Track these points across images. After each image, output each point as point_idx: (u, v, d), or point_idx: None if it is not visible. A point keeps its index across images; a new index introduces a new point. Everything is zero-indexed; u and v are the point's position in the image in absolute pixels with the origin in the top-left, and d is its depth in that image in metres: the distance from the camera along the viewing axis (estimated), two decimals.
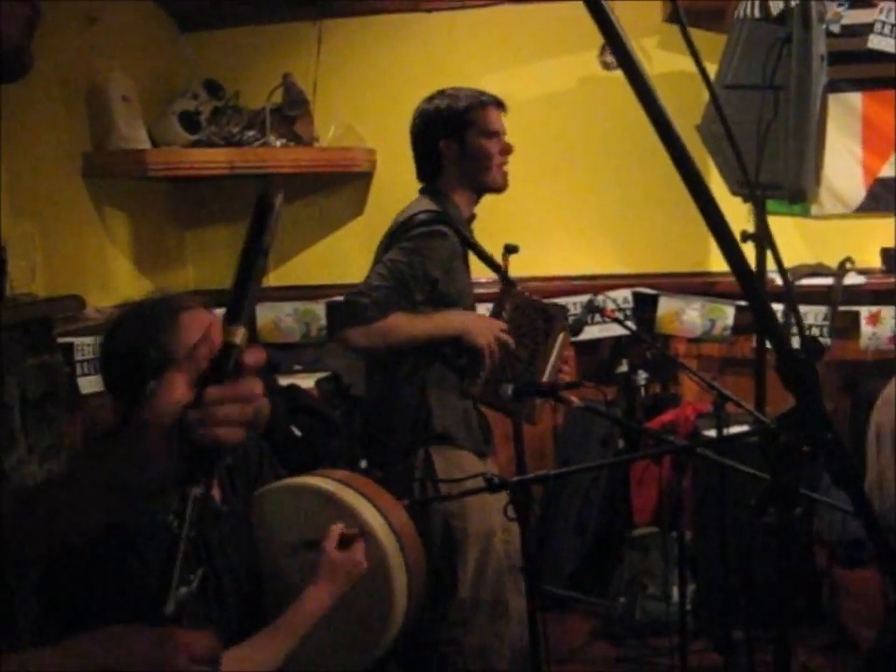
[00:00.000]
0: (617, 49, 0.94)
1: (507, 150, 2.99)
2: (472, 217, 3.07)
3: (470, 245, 2.99)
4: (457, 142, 2.93)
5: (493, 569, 2.86)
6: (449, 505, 2.75)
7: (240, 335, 1.01)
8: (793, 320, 3.70)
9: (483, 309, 3.29)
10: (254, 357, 1.01)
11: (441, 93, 3.02)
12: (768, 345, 3.99)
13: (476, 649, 2.85)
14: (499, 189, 3.03)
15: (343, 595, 1.88)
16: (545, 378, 2.94)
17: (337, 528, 1.89)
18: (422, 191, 3.04)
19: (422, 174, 3.05)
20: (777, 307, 4.07)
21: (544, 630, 2.18)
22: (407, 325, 2.77)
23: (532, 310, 3.02)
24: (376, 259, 2.92)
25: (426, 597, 2.04)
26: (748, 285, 0.96)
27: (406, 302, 2.76)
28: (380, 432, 2.89)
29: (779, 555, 1.17)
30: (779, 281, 3.86)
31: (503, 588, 2.86)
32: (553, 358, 3.01)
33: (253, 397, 1.01)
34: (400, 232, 2.82)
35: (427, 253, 2.79)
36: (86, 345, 3.28)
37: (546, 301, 3.20)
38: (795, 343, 1.09)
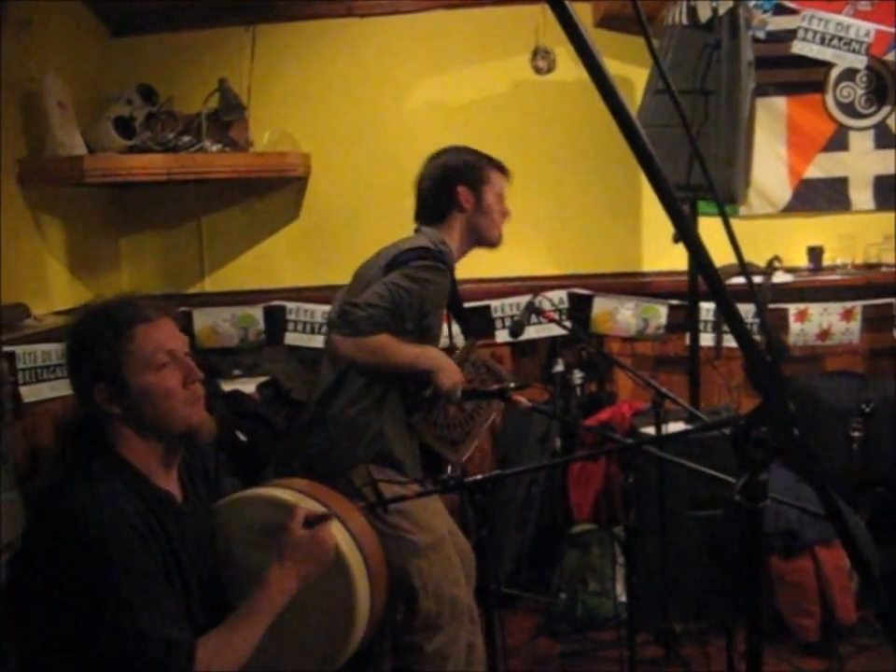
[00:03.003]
0: (580, 48, 0.98)
1: (507, 214, 3.13)
2: None
3: (455, 294, 3.08)
4: (474, 193, 3.03)
5: (450, 575, 2.91)
6: (399, 521, 2.79)
7: None
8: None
9: None
10: None
11: (461, 148, 3.12)
12: (701, 343, 4.09)
13: (437, 653, 2.90)
14: (496, 245, 3.16)
15: (304, 602, 1.88)
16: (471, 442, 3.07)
17: (302, 510, 1.91)
18: (420, 231, 3.09)
19: (426, 214, 3.09)
20: (709, 306, 4.19)
21: (501, 627, 2.22)
22: (394, 348, 2.84)
23: (486, 370, 3.13)
24: (365, 279, 2.94)
25: (386, 607, 2.06)
26: (714, 286, 1.01)
27: (396, 327, 2.82)
28: (326, 445, 2.91)
29: (747, 549, 1.22)
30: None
31: (460, 590, 2.91)
32: (490, 418, 3.14)
33: None
34: (404, 259, 2.86)
35: (428, 286, 2.86)
36: (28, 354, 3.24)
37: (504, 372, 3.26)
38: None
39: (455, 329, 3.25)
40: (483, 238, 3.11)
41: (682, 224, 1.02)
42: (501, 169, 3.12)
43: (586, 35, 0.98)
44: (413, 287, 2.82)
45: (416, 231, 3.10)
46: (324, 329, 4.14)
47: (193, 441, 1.95)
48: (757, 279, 4.20)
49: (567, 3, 0.97)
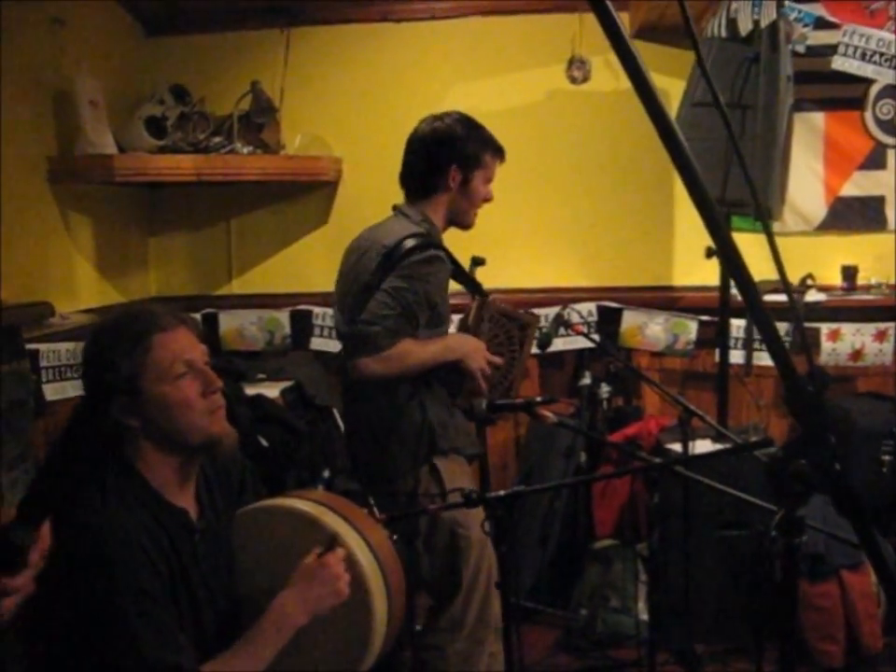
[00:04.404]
0: (623, 55, 0.94)
1: (490, 199, 3.05)
2: None
3: (456, 265, 3.03)
4: (463, 175, 2.96)
5: (484, 577, 2.90)
6: (455, 514, 2.78)
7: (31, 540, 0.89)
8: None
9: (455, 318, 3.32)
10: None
11: (464, 120, 3.01)
12: (730, 360, 4.03)
13: (460, 655, 2.88)
14: (469, 229, 3.09)
15: (323, 615, 1.84)
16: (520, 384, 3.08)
17: (318, 551, 1.87)
18: (398, 210, 3.03)
19: (412, 186, 3.02)
20: (740, 323, 4.13)
21: (521, 641, 2.19)
22: (418, 351, 2.83)
23: (507, 319, 3.11)
24: (359, 280, 2.89)
25: (406, 617, 2.02)
26: (756, 311, 0.97)
27: (411, 327, 2.79)
28: (380, 452, 2.89)
29: (783, 585, 1.17)
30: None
31: (490, 597, 2.88)
32: (524, 366, 3.15)
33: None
34: (395, 259, 2.80)
35: (428, 279, 2.82)
36: (51, 352, 3.24)
37: (518, 310, 3.25)
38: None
39: None
40: (458, 219, 3.03)
41: (723, 239, 0.98)
42: (498, 151, 3.03)
43: (629, 40, 0.94)
44: (416, 285, 2.78)
45: (395, 209, 3.04)
46: None
47: (214, 453, 1.92)
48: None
49: (610, 7, 0.93)
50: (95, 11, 4.07)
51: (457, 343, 2.97)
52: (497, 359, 3.03)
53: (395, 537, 1.99)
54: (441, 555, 2.89)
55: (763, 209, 3.25)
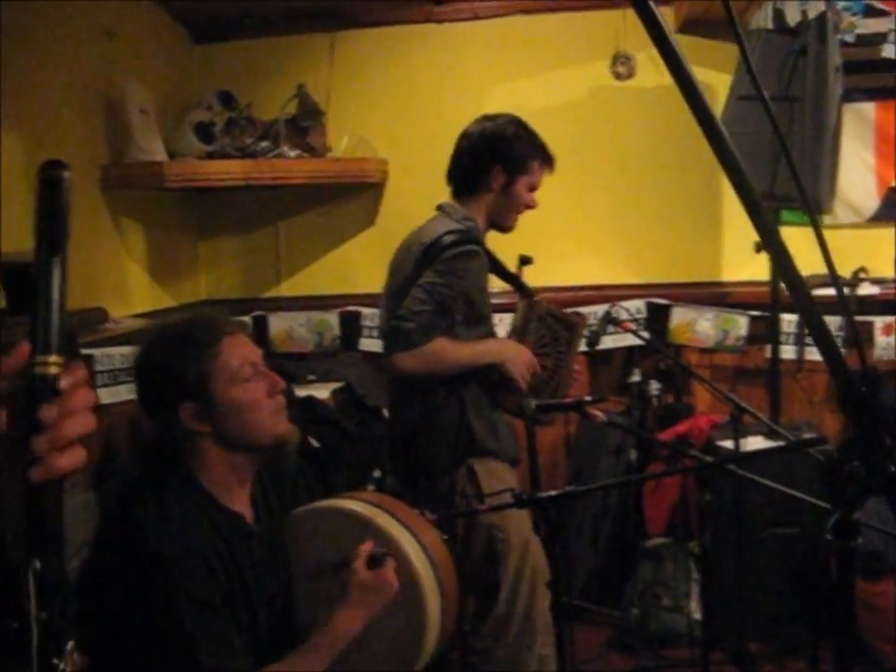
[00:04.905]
0: (664, 50, 0.94)
1: (533, 206, 3.05)
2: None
3: (495, 264, 3.03)
4: (506, 177, 2.96)
5: (528, 579, 2.89)
6: (492, 517, 2.78)
7: (53, 363, 0.83)
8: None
9: (496, 320, 3.32)
10: (72, 377, 0.85)
11: (516, 123, 3.02)
12: (782, 356, 3.98)
13: (507, 658, 2.88)
14: (508, 232, 3.10)
15: (376, 618, 1.86)
16: (568, 385, 3.04)
17: (365, 548, 1.88)
18: (441, 208, 3.04)
19: (457, 183, 3.05)
20: (791, 318, 4.08)
21: (571, 641, 2.18)
22: (452, 351, 2.83)
23: (554, 320, 3.10)
24: (400, 278, 2.91)
25: (458, 618, 2.03)
26: (809, 315, 0.95)
27: (446, 324, 2.79)
28: (419, 451, 2.90)
29: (839, 589, 1.14)
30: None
31: (535, 598, 2.88)
32: (572, 366, 3.12)
33: (88, 405, 0.87)
34: (432, 254, 2.82)
35: (464, 274, 2.82)
36: (105, 356, 3.29)
37: (565, 309, 3.24)
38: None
39: None
40: (498, 221, 3.04)
41: (769, 234, 0.97)
42: (547, 160, 3.03)
43: (671, 36, 0.93)
44: (451, 280, 2.79)
45: (439, 208, 3.05)
46: None
47: (279, 452, 1.95)
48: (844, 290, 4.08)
49: (652, 6, 0.92)
50: (145, 21, 4.13)
51: (498, 346, 2.97)
52: (537, 367, 3.00)
53: (446, 537, 2.00)
54: (479, 559, 2.89)
55: (810, 202, 3.20)
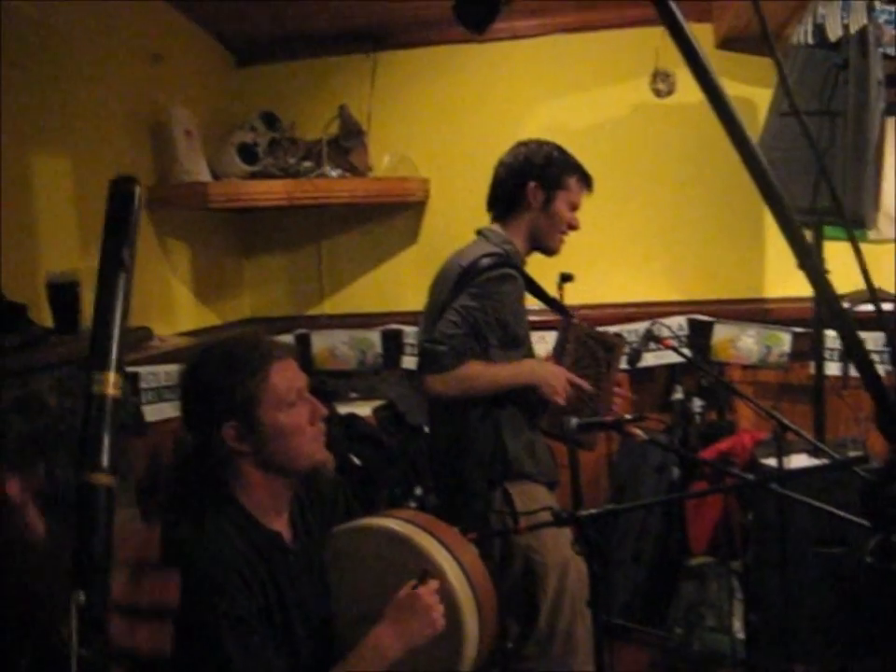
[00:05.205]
0: (696, 69, 0.94)
1: (576, 226, 3.04)
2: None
3: (533, 286, 3.04)
4: (545, 194, 2.97)
5: (568, 599, 2.88)
6: (528, 539, 2.78)
7: (111, 383, 0.81)
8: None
9: (538, 338, 3.32)
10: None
11: (550, 145, 3.05)
12: (826, 373, 3.93)
13: None
14: (553, 254, 3.10)
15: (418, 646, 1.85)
16: (608, 405, 3.00)
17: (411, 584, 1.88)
18: (481, 232, 3.06)
19: (496, 205, 3.07)
20: (835, 334, 4.04)
21: (615, 661, 2.17)
22: (485, 374, 2.83)
23: (593, 341, 3.09)
24: (438, 301, 2.93)
25: (496, 638, 2.03)
26: (846, 334, 0.94)
27: (480, 347, 2.80)
28: (456, 471, 2.91)
29: (883, 608, 1.13)
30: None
31: (576, 617, 2.87)
32: (612, 387, 3.09)
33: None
34: (469, 277, 2.83)
35: (499, 297, 2.83)
36: (151, 374, 3.33)
37: (603, 330, 3.23)
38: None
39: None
40: (541, 242, 3.04)
41: (803, 251, 0.97)
42: (584, 178, 3.04)
43: (704, 56, 0.94)
44: (485, 303, 2.80)
45: (479, 232, 3.06)
46: None
47: (314, 477, 1.97)
48: (887, 306, 4.03)
49: (684, 26, 0.93)
50: (189, 44, 4.21)
51: (531, 368, 2.96)
52: (582, 382, 2.99)
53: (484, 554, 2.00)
54: (519, 581, 2.88)
55: (850, 217, 3.18)
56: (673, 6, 0.91)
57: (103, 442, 0.83)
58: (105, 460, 0.85)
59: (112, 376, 0.83)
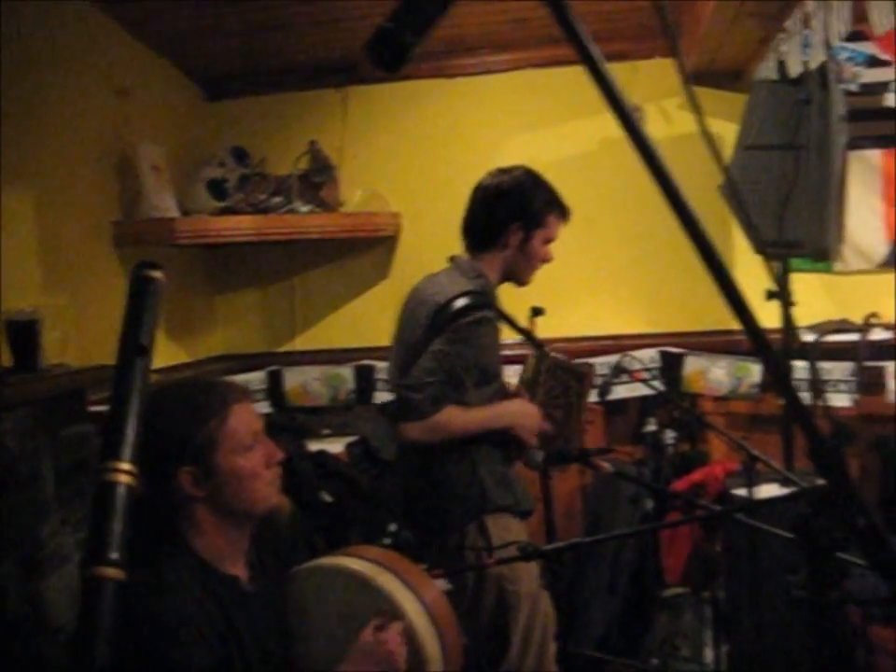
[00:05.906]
0: (620, 114, 0.95)
1: (549, 260, 3.03)
2: None
3: (508, 320, 3.02)
4: (524, 234, 2.94)
5: (538, 630, 2.86)
6: (503, 569, 2.75)
7: (123, 470, 0.79)
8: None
9: (512, 372, 3.32)
10: None
11: (531, 177, 2.99)
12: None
13: None
14: (524, 286, 3.08)
15: None
16: (580, 435, 3.02)
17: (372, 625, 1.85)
18: (454, 261, 3.02)
19: (471, 238, 3.01)
20: (804, 364, 4.07)
21: None
22: (461, 420, 2.80)
23: (563, 371, 3.08)
24: (411, 338, 2.90)
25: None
26: (773, 368, 0.95)
27: (457, 392, 2.78)
28: (429, 507, 2.89)
29: (820, 639, 1.13)
30: (807, 337, 3.86)
31: (546, 648, 2.85)
32: (584, 416, 3.11)
33: None
34: (443, 320, 2.79)
35: (476, 342, 2.79)
36: None
37: (573, 360, 3.24)
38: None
39: None
40: (514, 276, 3.02)
41: (724, 279, 0.97)
42: (562, 212, 3.01)
43: (623, 97, 0.94)
44: (463, 349, 2.76)
45: (452, 260, 3.03)
46: None
47: (269, 521, 1.94)
48: (853, 336, 4.07)
49: (603, 69, 0.94)
50: (158, 78, 4.21)
51: (510, 411, 2.94)
52: (547, 427, 2.99)
53: (451, 587, 1.98)
54: (490, 612, 2.85)
55: (815, 248, 3.22)
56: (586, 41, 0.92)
57: (112, 534, 0.82)
58: (113, 552, 0.81)
59: (125, 465, 0.82)
